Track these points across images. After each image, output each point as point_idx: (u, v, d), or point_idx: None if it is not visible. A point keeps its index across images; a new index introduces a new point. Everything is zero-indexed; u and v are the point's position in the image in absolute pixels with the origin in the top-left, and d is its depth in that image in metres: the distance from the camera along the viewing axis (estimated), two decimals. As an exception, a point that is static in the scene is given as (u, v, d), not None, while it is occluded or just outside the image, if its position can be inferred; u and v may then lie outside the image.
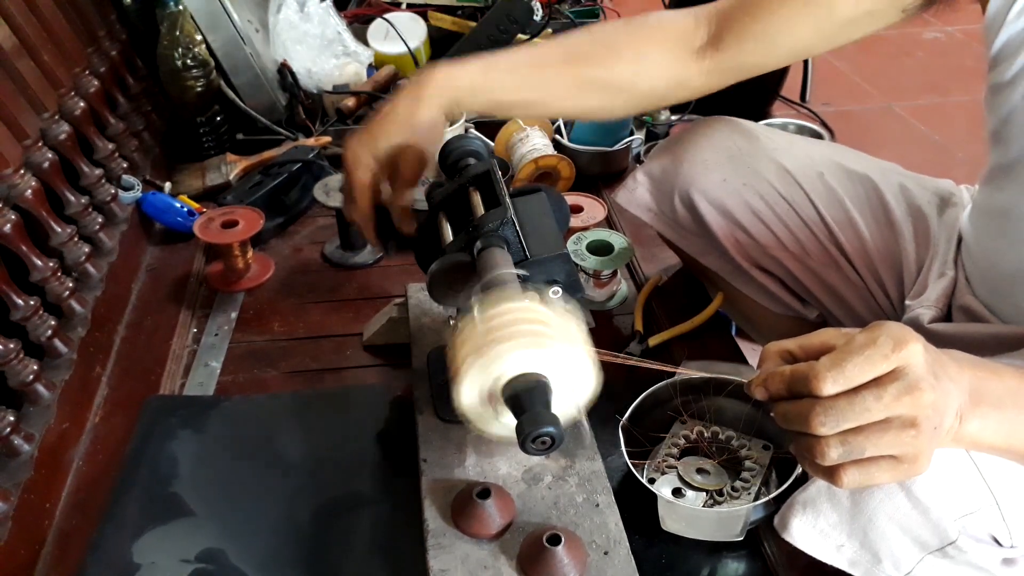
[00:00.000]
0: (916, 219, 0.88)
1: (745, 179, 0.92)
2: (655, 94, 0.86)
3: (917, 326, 0.79)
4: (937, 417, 0.50)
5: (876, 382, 0.49)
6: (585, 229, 1.08)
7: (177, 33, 1.27)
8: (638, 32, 0.83)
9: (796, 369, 0.51)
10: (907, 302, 0.83)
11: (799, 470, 0.72)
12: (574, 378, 0.60)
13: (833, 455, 0.50)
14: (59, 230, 0.96)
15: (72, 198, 1.01)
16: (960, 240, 0.84)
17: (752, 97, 1.59)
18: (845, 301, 0.93)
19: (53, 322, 0.89)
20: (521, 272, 0.67)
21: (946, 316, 0.81)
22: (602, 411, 0.88)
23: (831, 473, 0.51)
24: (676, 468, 0.78)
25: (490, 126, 1.37)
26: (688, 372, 0.73)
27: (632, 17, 0.85)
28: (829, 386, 0.49)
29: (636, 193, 0.99)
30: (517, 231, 0.70)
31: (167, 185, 1.26)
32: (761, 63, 0.82)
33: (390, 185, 0.80)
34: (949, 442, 0.52)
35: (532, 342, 0.57)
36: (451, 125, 1.23)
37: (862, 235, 0.89)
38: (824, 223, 0.90)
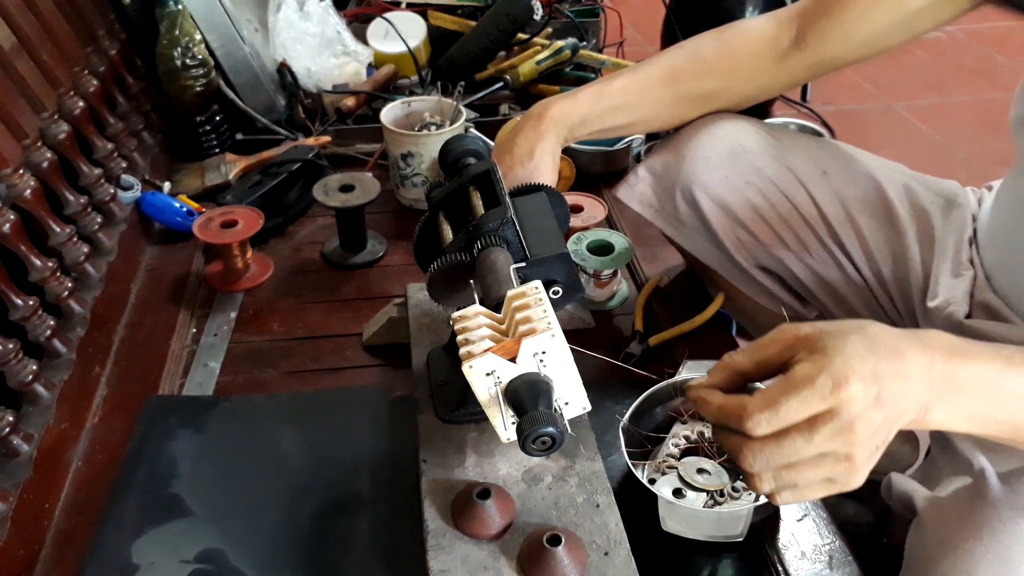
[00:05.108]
0: (920, 220, 0.87)
1: (747, 176, 0.91)
2: (746, 99, 0.93)
3: (953, 324, 0.79)
4: (880, 437, 0.51)
5: (809, 422, 0.50)
6: (585, 229, 1.08)
7: (176, 32, 1.27)
8: (728, 45, 0.90)
9: (725, 406, 0.52)
10: (929, 304, 0.82)
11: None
12: (552, 361, 0.60)
13: (765, 489, 0.53)
14: (58, 230, 0.96)
15: (71, 198, 1.01)
16: (973, 239, 0.84)
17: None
18: (846, 301, 0.92)
19: (52, 322, 0.89)
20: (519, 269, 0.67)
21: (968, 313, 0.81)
22: (602, 411, 0.88)
23: (768, 495, 0.54)
24: (676, 468, 0.78)
25: (490, 126, 1.37)
26: (675, 380, 0.73)
27: (721, 28, 0.91)
28: (760, 428, 0.50)
29: (637, 189, 0.98)
30: (517, 231, 0.70)
31: (166, 185, 1.25)
32: (840, 58, 0.87)
33: None
34: (913, 427, 0.53)
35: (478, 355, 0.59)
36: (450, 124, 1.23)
37: (864, 235, 0.89)
38: (826, 222, 0.90)
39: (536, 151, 0.86)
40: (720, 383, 0.56)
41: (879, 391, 0.50)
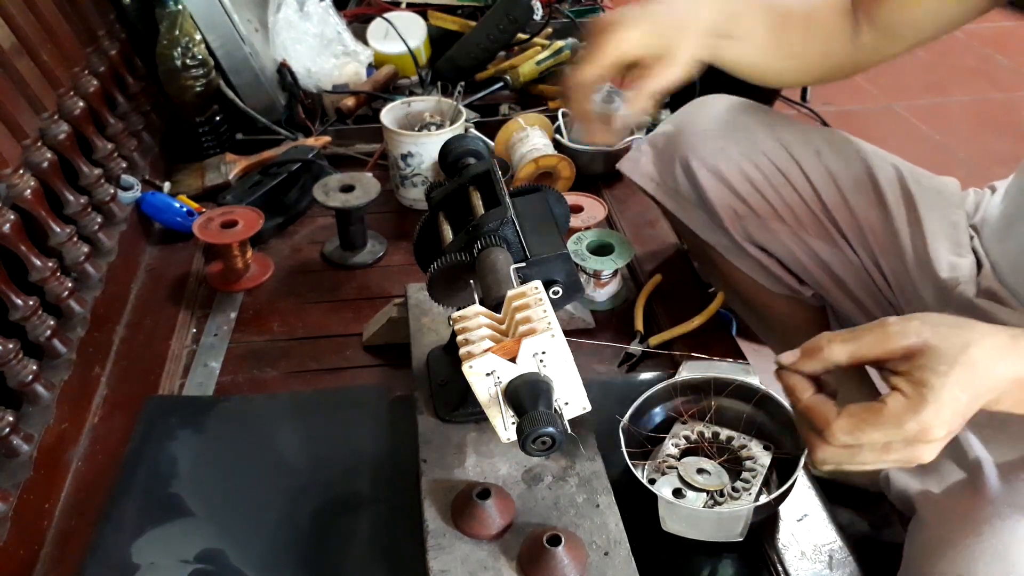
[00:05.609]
0: (908, 204, 0.88)
1: (743, 149, 0.92)
2: (822, 69, 0.87)
3: (964, 302, 0.80)
4: (937, 450, 0.54)
5: (884, 446, 0.53)
6: (585, 229, 1.08)
7: (176, 32, 1.27)
8: (815, 9, 0.84)
9: (812, 410, 0.55)
10: (941, 275, 0.82)
11: (799, 471, 0.72)
12: (551, 356, 0.60)
13: (824, 471, 0.57)
14: (58, 230, 0.96)
15: (71, 198, 1.01)
16: (977, 234, 0.84)
17: (753, 97, 1.58)
18: (841, 280, 0.93)
19: (52, 322, 0.89)
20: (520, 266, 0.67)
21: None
22: (602, 411, 0.88)
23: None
24: (676, 468, 0.78)
25: (490, 126, 1.37)
26: (675, 380, 0.73)
27: None
28: (839, 442, 0.54)
29: (640, 163, 0.99)
30: (517, 231, 0.70)
31: (166, 185, 1.25)
32: (899, 46, 0.83)
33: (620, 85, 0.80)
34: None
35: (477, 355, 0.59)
36: (451, 125, 1.23)
37: (856, 214, 0.90)
38: (819, 198, 0.91)
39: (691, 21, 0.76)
40: (812, 372, 0.57)
41: (958, 426, 0.53)
